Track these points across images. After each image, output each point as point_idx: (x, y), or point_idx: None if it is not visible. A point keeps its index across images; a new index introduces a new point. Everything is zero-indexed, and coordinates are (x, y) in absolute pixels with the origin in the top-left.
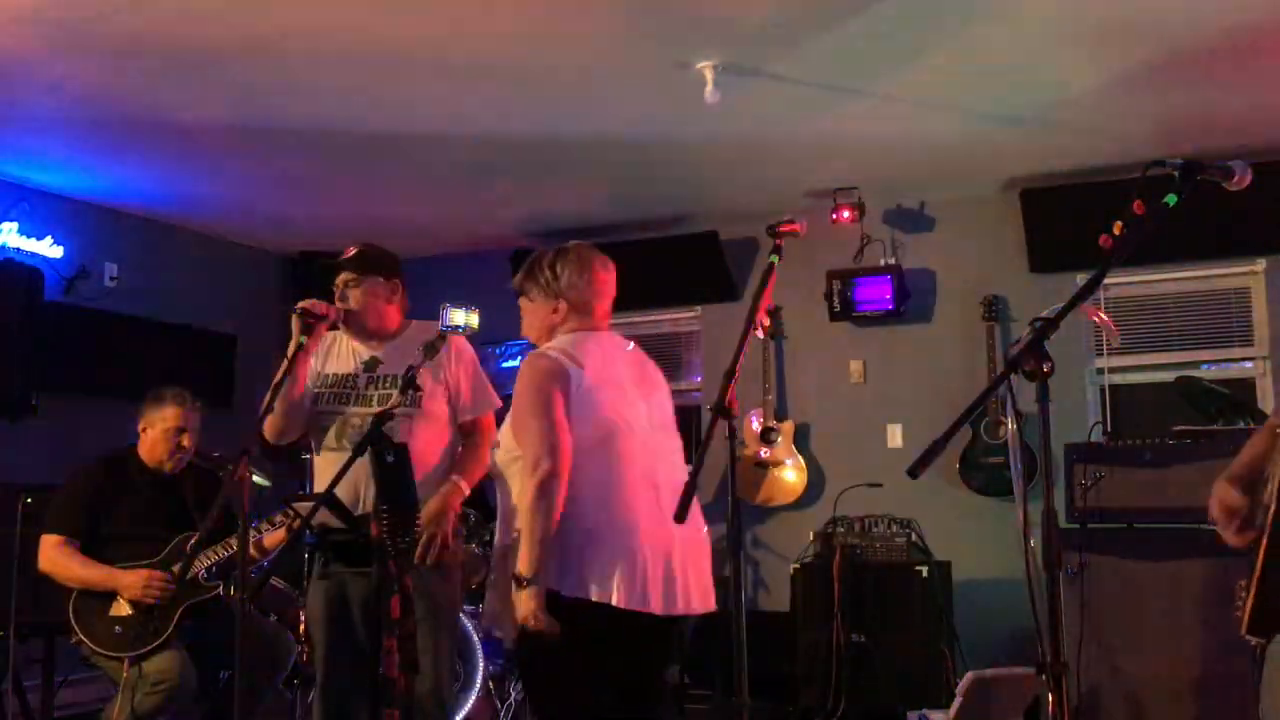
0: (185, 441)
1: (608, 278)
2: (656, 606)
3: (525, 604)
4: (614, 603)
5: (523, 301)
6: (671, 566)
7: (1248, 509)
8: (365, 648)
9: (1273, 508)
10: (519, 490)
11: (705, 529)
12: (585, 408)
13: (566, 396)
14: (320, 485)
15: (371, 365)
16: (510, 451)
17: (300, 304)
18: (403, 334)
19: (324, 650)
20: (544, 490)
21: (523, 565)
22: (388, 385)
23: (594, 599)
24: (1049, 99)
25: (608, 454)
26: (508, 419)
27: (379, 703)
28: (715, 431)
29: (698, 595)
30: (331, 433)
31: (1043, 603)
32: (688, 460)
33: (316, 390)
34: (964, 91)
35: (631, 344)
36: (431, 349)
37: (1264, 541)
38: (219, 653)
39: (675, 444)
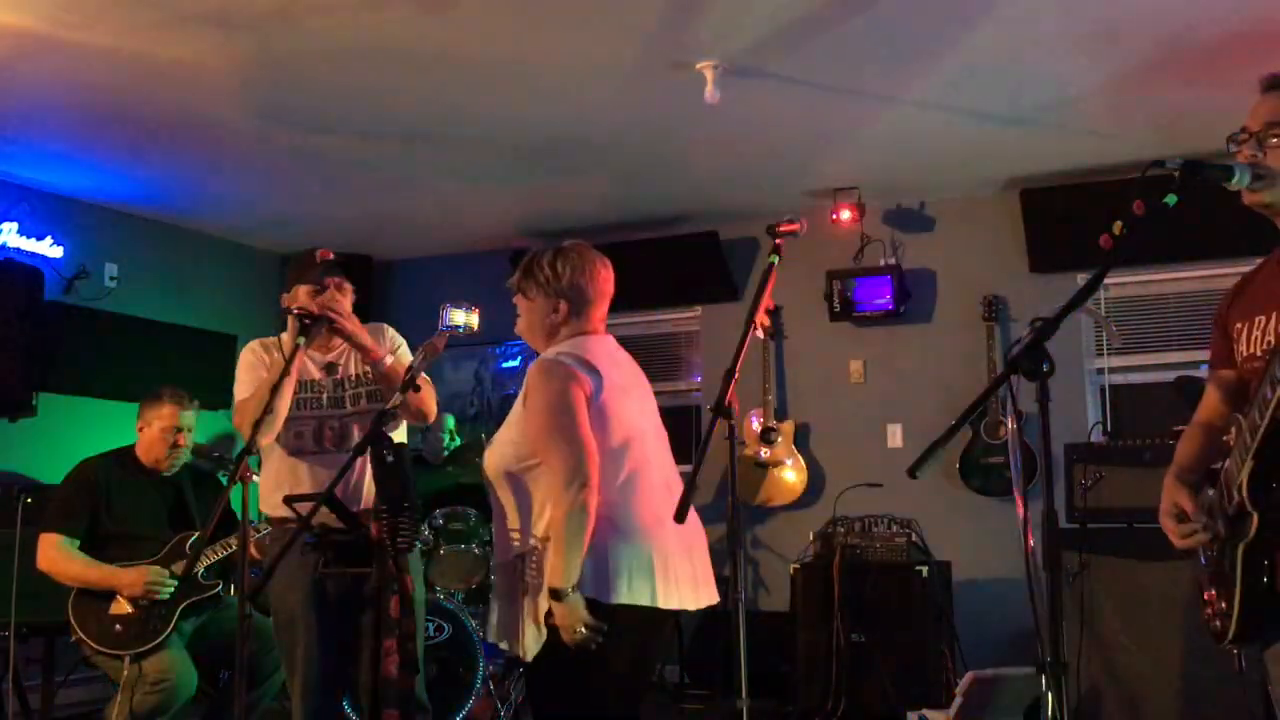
0: (182, 441)
1: (608, 277)
2: (690, 602)
3: (572, 614)
4: (655, 603)
5: (519, 300)
6: (693, 562)
7: (1197, 514)
8: (348, 642)
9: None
10: (552, 501)
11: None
12: (603, 415)
13: (587, 405)
14: (298, 488)
15: (332, 369)
16: (524, 460)
17: (297, 305)
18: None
19: (310, 636)
20: (585, 505)
21: (561, 578)
22: (354, 385)
23: (638, 602)
24: (1049, 99)
25: (628, 459)
26: (512, 420)
27: (379, 703)
28: (715, 431)
29: (706, 588)
30: (309, 437)
31: (1043, 603)
32: (680, 459)
33: None
34: (964, 91)
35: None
36: (431, 351)
37: (1242, 547)
38: (219, 653)
39: (667, 443)
